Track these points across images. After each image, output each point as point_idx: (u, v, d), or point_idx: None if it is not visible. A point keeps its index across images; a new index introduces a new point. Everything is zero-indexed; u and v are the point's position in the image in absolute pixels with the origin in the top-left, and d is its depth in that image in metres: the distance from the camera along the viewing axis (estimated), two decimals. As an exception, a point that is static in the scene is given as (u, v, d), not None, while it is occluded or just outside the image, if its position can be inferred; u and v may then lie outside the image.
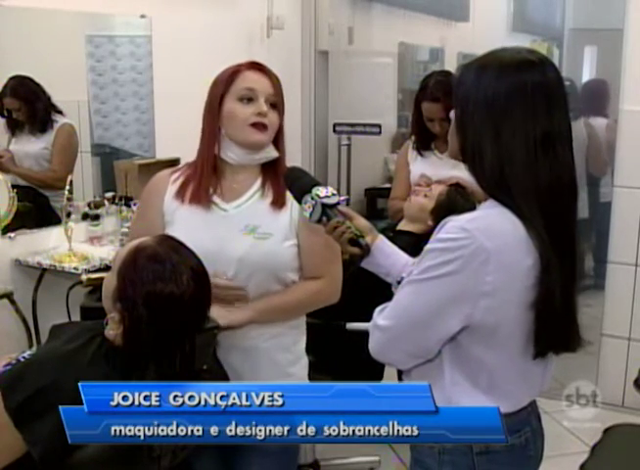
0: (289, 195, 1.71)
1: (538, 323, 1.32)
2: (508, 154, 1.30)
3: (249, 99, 1.73)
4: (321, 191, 1.53)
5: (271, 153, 1.78)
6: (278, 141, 1.79)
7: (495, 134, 1.30)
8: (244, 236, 1.74)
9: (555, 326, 1.34)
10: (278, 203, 1.76)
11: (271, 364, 1.82)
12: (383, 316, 1.37)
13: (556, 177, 1.31)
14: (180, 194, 1.78)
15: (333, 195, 1.53)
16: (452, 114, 1.38)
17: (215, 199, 1.77)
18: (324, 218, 1.52)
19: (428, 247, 1.33)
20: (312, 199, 1.52)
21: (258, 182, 1.80)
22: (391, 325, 1.35)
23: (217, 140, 1.76)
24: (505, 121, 1.30)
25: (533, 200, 1.29)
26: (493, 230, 1.28)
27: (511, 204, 1.30)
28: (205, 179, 1.77)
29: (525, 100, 1.29)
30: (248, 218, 1.75)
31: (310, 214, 1.53)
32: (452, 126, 1.39)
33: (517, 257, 1.29)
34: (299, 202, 1.55)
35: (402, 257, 1.57)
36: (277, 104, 1.76)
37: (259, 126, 1.72)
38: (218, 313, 1.67)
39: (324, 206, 1.52)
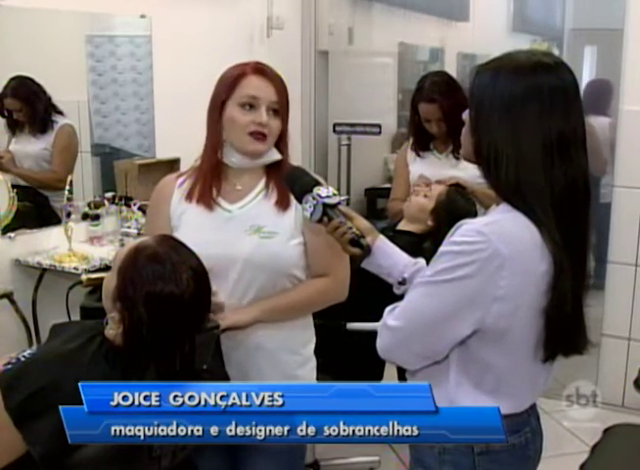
0: None
1: (549, 328, 1.32)
2: (524, 157, 1.29)
3: (250, 106, 1.72)
4: (322, 191, 1.53)
5: (273, 156, 1.78)
6: (281, 144, 1.79)
7: (511, 137, 1.29)
8: (249, 236, 1.74)
9: (565, 330, 1.34)
10: (283, 203, 1.76)
11: (277, 365, 1.81)
12: (393, 316, 1.36)
13: (571, 181, 1.30)
14: (188, 197, 1.79)
15: (334, 195, 1.53)
16: (465, 115, 1.37)
17: (220, 200, 1.78)
18: (325, 218, 1.52)
19: (442, 249, 1.32)
20: (313, 199, 1.52)
21: (262, 183, 1.80)
22: (402, 326, 1.35)
23: (220, 144, 1.76)
24: (521, 124, 1.29)
25: (548, 204, 1.28)
26: (509, 235, 1.28)
27: (526, 208, 1.29)
28: (210, 181, 1.77)
29: (541, 102, 1.29)
30: (252, 219, 1.75)
31: (311, 214, 1.53)
32: (466, 128, 1.38)
33: (531, 262, 1.28)
34: (300, 202, 1.55)
35: (403, 257, 1.57)
36: (279, 110, 1.74)
37: (258, 136, 1.72)
38: (221, 315, 1.67)
39: (325, 206, 1.52)
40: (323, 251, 1.75)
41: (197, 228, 1.75)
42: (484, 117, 1.33)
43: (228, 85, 1.73)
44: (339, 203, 1.53)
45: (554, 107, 1.29)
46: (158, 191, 1.87)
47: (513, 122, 1.29)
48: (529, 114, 1.29)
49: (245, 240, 1.73)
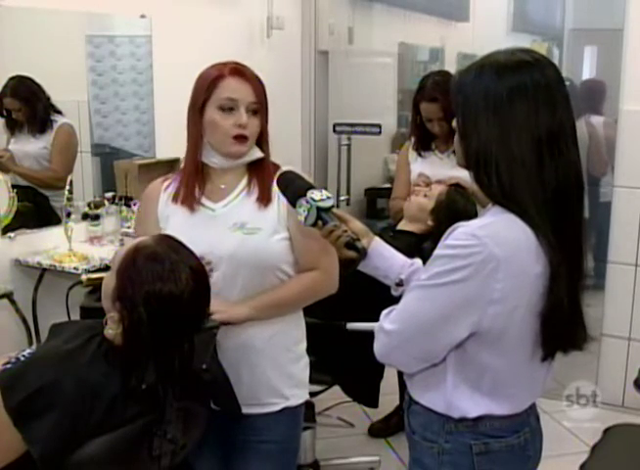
0: (274, 190, 1.73)
1: (546, 329, 1.32)
2: (515, 158, 1.28)
3: (229, 108, 1.73)
4: (316, 194, 1.52)
5: (254, 154, 1.79)
6: (262, 142, 1.80)
7: (500, 138, 1.29)
8: (233, 233, 1.75)
9: (563, 330, 1.34)
10: (264, 199, 1.77)
11: (270, 364, 1.81)
12: (389, 320, 1.36)
13: (562, 178, 1.29)
14: (174, 199, 1.81)
15: (328, 198, 1.53)
16: (454, 122, 1.37)
17: (204, 200, 1.79)
18: (319, 222, 1.51)
19: (437, 252, 1.32)
20: (307, 203, 1.51)
21: (244, 181, 1.81)
22: (398, 330, 1.34)
23: (200, 145, 1.77)
24: (509, 124, 1.28)
25: (541, 204, 1.28)
26: (503, 237, 1.27)
27: (519, 210, 1.29)
28: (193, 182, 1.79)
29: (527, 100, 1.28)
30: (235, 216, 1.76)
31: (305, 218, 1.52)
32: (456, 135, 1.37)
33: (526, 264, 1.28)
34: (294, 206, 1.55)
35: (399, 258, 1.57)
36: (258, 110, 1.76)
37: (240, 138, 1.73)
38: (217, 308, 1.66)
39: (319, 209, 1.51)
40: (310, 245, 1.75)
41: (182, 229, 1.75)
42: (471, 121, 1.32)
43: (206, 87, 1.74)
44: (333, 206, 1.53)
45: (539, 103, 1.29)
46: (145, 195, 1.90)
47: (501, 124, 1.29)
48: (516, 113, 1.28)
49: (229, 237, 1.74)
